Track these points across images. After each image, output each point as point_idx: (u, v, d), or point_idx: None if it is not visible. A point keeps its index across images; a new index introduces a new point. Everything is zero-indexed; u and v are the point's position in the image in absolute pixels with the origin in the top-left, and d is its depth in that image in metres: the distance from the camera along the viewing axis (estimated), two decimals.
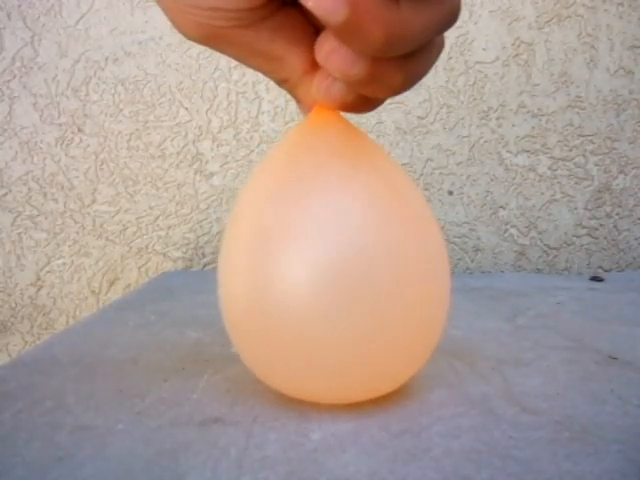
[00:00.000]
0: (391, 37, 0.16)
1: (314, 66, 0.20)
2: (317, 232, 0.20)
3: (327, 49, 0.18)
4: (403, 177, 0.22)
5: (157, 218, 0.63)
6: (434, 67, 0.63)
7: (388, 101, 0.68)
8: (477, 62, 0.63)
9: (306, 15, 0.18)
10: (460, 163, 0.64)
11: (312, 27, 0.19)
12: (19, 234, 0.62)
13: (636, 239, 0.65)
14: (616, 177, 0.65)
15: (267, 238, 0.20)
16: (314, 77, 0.20)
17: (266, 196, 0.21)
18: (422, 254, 0.21)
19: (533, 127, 0.64)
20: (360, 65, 0.17)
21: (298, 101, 0.22)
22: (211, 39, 0.19)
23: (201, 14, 0.18)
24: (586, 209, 0.65)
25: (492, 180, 0.64)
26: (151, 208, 0.62)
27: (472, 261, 0.64)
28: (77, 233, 0.62)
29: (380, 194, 0.21)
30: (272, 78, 0.21)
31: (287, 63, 0.20)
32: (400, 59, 0.18)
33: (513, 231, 0.64)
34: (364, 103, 0.20)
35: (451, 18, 0.18)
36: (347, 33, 0.16)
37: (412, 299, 0.20)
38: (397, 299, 0.20)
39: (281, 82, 0.21)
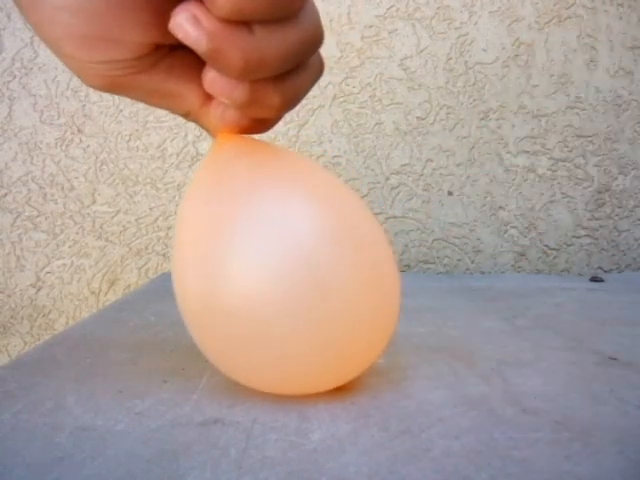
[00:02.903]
0: (249, 61, 0.18)
1: (209, 98, 0.22)
2: (263, 234, 0.20)
3: (210, 77, 0.20)
4: (326, 174, 0.23)
5: (157, 219, 0.63)
6: (434, 68, 0.62)
7: (387, 102, 0.68)
8: (477, 63, 0.63)
9: (195, 54, 0.19)
10: (460, 164, 0.64)
11: (202, 64, 0.20)
12: (19, 235, 0.62)
13: (636, 240, 0.65)
14: (616, 178, 0.65)
15: (216, 247, 0.21)
16: (209, 107, 0.22)
17: (210, 204, 0.22)
18: (362, 249, 0.22)
19: (533, 128, 0.64)
20: (240, 88, 0.20)
21: (205, 129, 0.24)
22: (113, 87, 0.21)
23: (98, 67, 0.20)
24: (586, 210, 0.65)
25: (492, 181, 0.64)
26: (151, 209, 0.62)
27: (472, 262, 0.64)
28: (77, 234, 0.62)
29: (313, 195, 0.22)
30: (176, 113, 0.23)
31: (184, 99, 0.22)
32: (275, 81, 0.20)
33: (513, 232, 0.64)
34: (258, 125, 0.22)
35: (312, 40, 0.20)
36: (213, 60, 0.19)
37: (357, 293, 0.21)
38: (342, 294, 0.21)
39: (185, 115, 0.23)
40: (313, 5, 0.20)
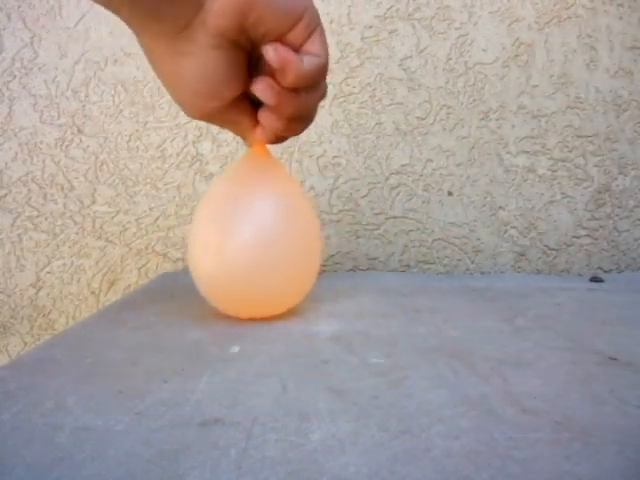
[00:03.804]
0: (296, 111, 0.33)
1: (256, 123, 0.36)
2: (245, 217, 0.36)
3: (265, 115, 0.34)
4: (296, 185, 0.41)
5: (157, 219, 0.63)
6: (434, 68, 0.63)
7: (387, 102, 0.68)
8: (477, 63, 0.63)
9: (253, 101, 0.35)
10: (460, 164, 0.64)
11: (254, 105, 0.35)
12: (19, 235, 0.62)
13: (636, 240, 0.65)
14: (616, 178, 0.65)
15: (223, 221, 0.36)
16: (256, 129, 0.36)
17: (227, 194, 0.37)
18: (303, 227, 0.38)
19: (533, 128, 0.64)
20: (281, 123, 0.34)
21: (245, 141, 0.38)
22: (207, 118, 0.35)
23: (203, 107, 0.33)
24: (586, 210, 0.65)
25: (492, 181, 0.64)
26: (151, 209, 0.62)
27: (472, 262, 0.64)
28: (77, 234, 0.62)
29: (283, 197, 0.38)
30: (234, 132, 0.38)
31: (243, 125, 0.36)
32: (299, 118, 0.35)
33: (513, 232, 0.64)
34: (281, 140, 0.37)
35: (324, 96, 0.35)
36: (276, 109, 0.33)
37: (299, 253, 0.37)
38: (292, 253, 0.37)
39: (238, 133, 0.37)
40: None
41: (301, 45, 0.31)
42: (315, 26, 0.32)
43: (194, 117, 0.35)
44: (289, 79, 0.31)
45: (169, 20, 0.29)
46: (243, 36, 0.31)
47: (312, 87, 0.33)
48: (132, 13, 0.29)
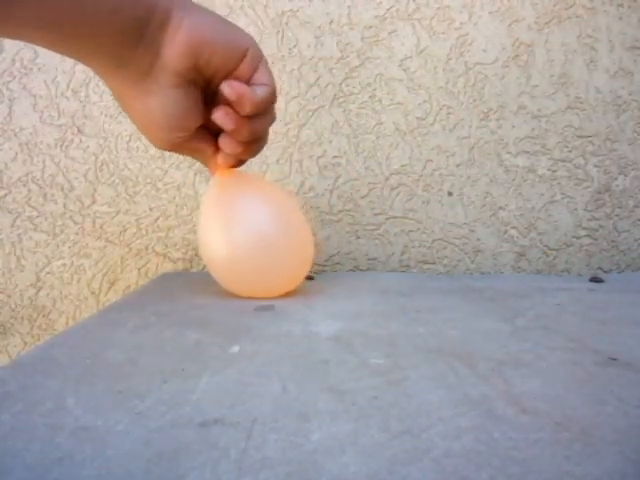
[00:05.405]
0: (251, 134, 0.38)
1: (217, 150, 0.41)
2: (241, 219, 0.44)
3: (226, 141, 0.39)
4: (279, 189, 0.49)
5: (157, 219, 0.63)
6: (434, 68, 0.63)
7: (387, 102, 0.68)
8: (477, 63, 0.63)
9: (212, 130, 0.39)
10: (460, 164, 0.64)
11: (214, 134, 0.40)
12: (19, 235, 0.62)
13: (636, 240, 0.65)
14: (616, 178, 0.65)
15: (226, 223, 0.44)
16: (217, 155, 0.41)
17: (222, 202, 0.44)
18: (292, 223, 0.46)
19: (533, 128, 0.64)
20: (239, 146, 0.39)
21: (208, 167, 0.43)
22: (172, 148, 0.39)
23: (168, 139, 0.38)
24: (586, 210, 0.65)
25: (492, 181, 0.64)
26: (151, 209, 0.62)
27: (472, 262, 0.64)
28: (77, 234, 0.62)
29: (271, 199, 0.46)
30: (199, 160, 0.43)
31: (206, 152, 0.41)
32: (255, 141, 0.40)
33: (513, 232, 0.64)
34: (240, 164, 0.43)
35: (273, 120, 0.40)
36: (233, 133, 0.38)
37: (293, 246, 0.45)
38: (284, 244, 0.44)
39: (203, 161, 0.42)
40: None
41: (250, 77, 0.36)
42: (259, 60, 0.36)
43: (162, 148, 0.39)
44: (246, 108, 0.36)
45: (133, 66, 0.33)
46: (198, 75, 0.35)
47: (264, 112, 0.37)
48: (101, 63, 0.33)
